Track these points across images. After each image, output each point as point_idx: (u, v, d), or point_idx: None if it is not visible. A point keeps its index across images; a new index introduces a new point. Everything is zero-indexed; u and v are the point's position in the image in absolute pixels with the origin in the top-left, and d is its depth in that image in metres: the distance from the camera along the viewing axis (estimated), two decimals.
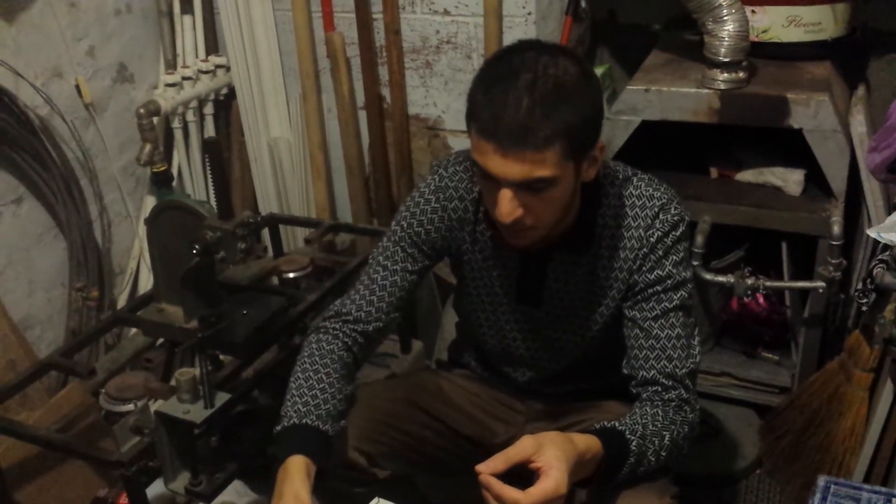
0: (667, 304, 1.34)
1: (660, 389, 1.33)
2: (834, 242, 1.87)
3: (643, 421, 1.29)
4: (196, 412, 1.48)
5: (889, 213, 1.84)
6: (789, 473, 1.99)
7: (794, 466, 1.97)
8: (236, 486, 1.88)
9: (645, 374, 1.33)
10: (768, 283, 1.98)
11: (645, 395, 1.34)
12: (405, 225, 1.44)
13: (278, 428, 1.31)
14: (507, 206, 1.20)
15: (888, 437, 1.71)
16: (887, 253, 1.63)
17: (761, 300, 2.30)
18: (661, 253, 1.33)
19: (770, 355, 2.27)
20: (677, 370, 1.32)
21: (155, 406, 1.55)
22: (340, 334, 1.42)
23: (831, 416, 1.85)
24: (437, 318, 2.44)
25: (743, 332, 2.33)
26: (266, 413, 1.95)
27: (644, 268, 1.34)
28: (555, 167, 1.17)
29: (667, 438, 1.28)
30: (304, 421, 1.30)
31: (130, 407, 1.70)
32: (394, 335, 2.16)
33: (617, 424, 1.27)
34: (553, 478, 1.12)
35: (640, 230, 1.33)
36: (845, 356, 1.81)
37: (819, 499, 1.46)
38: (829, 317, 2.10)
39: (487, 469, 1.14)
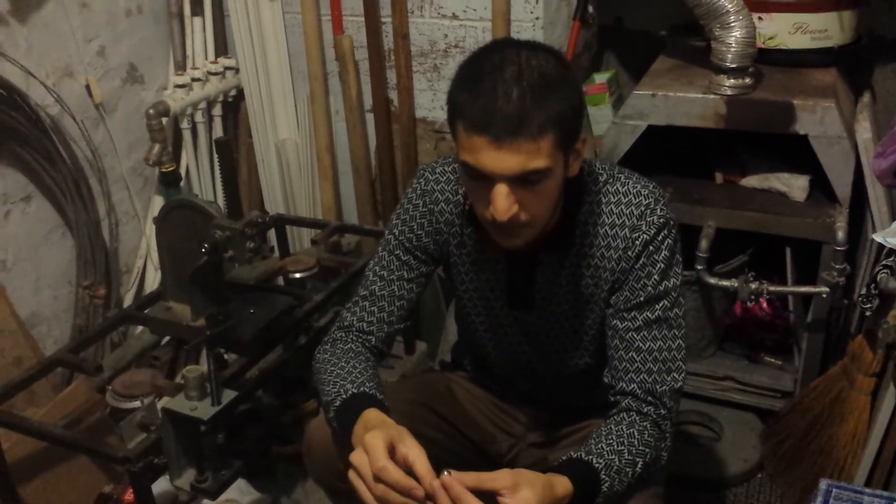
0: (648, 314, 1.28)
1: (637, 402, 1.28)
2: (838, 248, 1.88)
3: (619, 448, 1.21)
4: (203, 409, 1.49)
5: (893, 219, 1.85)
6: (791, 478, 1.99)
7: (795, 471, 1.97)
8: (239, 484, 1.88)
9: (624, 385, 1.29)
10: (772, 288, 1.98)
11: (624, 403, 1.29)
12: (397, 233, 1.42)
13: (336, 404, 1.25)
14: (504, 202, 1.15)
15: (890, 442, 1.72)
16: (892, 258, 1.64)
17: (765, 305, 2.31)
18: (644, 259, 1.28)
19: (773, 360, 2.27)
20: (657, 386, 1.27)
21: (162, 403, 1.56)
22: (350, 339, 1.41)
23: (833, 420, 1.85)
24: (440, 319, 2.45)
25: (746, 336, 2.33)
26: (269, 412, 1.96)
27: (627, 274, 1.29)
28: (549, 158, 1.14)
29: (639, 466, 1.21)
30: (361, 389, 1.26)
31: (137, 404, 1.71)
32: (398, 337, 2.16)
33: (594, 460, 1.18)
34: None
35: (626, 230, 1.28)
36: (848, 361, 1.82)
37: (821, 502, 1.46)
38: (831, 322, 2.11)
39: (457, 477, 1.06)
